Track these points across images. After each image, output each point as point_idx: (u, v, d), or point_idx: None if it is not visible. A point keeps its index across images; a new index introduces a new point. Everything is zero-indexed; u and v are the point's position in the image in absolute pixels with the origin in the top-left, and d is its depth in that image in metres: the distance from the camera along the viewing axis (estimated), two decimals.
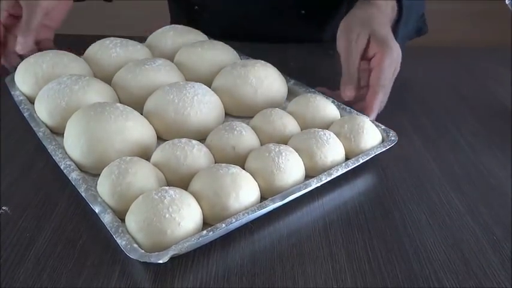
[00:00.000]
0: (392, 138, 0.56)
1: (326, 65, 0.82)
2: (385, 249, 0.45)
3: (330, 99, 0.62)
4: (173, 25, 0.76)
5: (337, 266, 0.43)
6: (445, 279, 0.43)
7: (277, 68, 0.66)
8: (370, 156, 0.54)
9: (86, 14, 1.07)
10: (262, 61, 0.66)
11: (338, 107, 0.61)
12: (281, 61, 0.70)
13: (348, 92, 0.60)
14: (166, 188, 0.45)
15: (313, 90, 0.65)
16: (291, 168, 0.49)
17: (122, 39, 0.70)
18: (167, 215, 0.42)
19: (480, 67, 0.82)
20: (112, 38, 0.70)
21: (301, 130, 0.57)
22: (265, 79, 0.62)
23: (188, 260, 0.44)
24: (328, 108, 0.59)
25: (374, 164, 0.56)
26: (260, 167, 0.49)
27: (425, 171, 0.56)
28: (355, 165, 0.53)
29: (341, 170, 0.52)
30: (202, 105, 0.57)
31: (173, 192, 0.44)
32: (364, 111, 0.60)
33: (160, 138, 0.57)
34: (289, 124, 0.56)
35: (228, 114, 0.62)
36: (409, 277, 0.43)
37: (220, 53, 0.68)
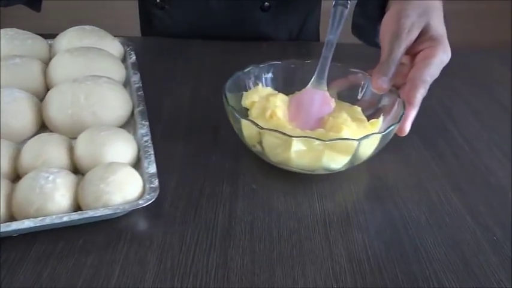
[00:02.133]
0: (147, 196, 0.47)
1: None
2: (384, 250, 0.45)
3: (118, 141, 0.52)
4: (83, 26, 0.70)
5: (337, 267, 0.43)
6: (445, 279, 0.43)
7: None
8: (82, 217, 0.45)
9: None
10: (106, 79, 0.58)
11: (136, 140, 0.54)
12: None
13: (383, 84, 0.54)
14: None
15: (146, 122, 0.57)
16: None
17: (22, 32, 0.67)
18: None
19: (480, 67, 0.82)
20: (9, 29, 0.67)
21: (68, 164, 0.51)
22: (85, 100, 0.55)
23: (188, 260, 0.44)
24: (109, 150, 0.50)
25: (373, 163, 0.56)
26: None
27: (425, 171, 0.56)
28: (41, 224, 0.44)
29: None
30: None
31: None
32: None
33: None
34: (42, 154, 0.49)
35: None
36: (409, 277, 0.43)
37: (88, 62, 0.61)
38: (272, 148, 0.51)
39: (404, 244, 0.46)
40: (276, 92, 0.59)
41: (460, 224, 0.49)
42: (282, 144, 0.50)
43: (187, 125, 0.62)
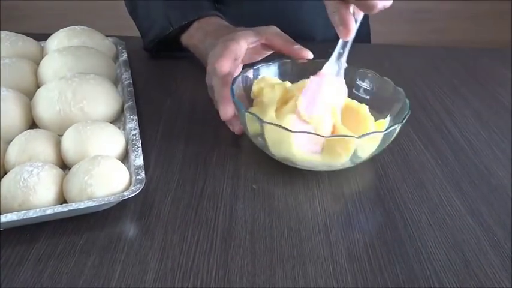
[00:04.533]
0: (133, 188, 0.47)
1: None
2: (385, 250, 0.45)
3: (105, 135, 0.52)
4: (74, 26, 0.71)
5: (337, 267, 0.43)
6: (445, 279, 0.43)
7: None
8: (70, 209, 0.45)
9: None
10: (93, 76, 0.59)
11: (125, 134, 0.55)
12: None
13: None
14: None
15: (134, 117, 0.57)
16: None
17: (13, 34, 0.67)
18: None
19: (480, 67, 0.82)
20: (9, 32, 0.68)
21: (55, 160, 0.51)
22: (72, 96, 0.56)
23: (188, 260, 0.44)
24: (95, 143, 0.51)
25: (374, 164, 0.56)
26: None
27: (425, 171, 0.56)
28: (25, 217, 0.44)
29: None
30: None
31: None
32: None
33: None
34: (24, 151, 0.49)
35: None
36: (410, 277, 0.43)
37: (77, 60, 0.62)
38: (275, 142, 0.51)
39: (405, 244, 0.46)
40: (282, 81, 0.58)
41: (461, 224, 0.49)
42: (283, 138, 0.49)
43: (187, 125, 0.62)
